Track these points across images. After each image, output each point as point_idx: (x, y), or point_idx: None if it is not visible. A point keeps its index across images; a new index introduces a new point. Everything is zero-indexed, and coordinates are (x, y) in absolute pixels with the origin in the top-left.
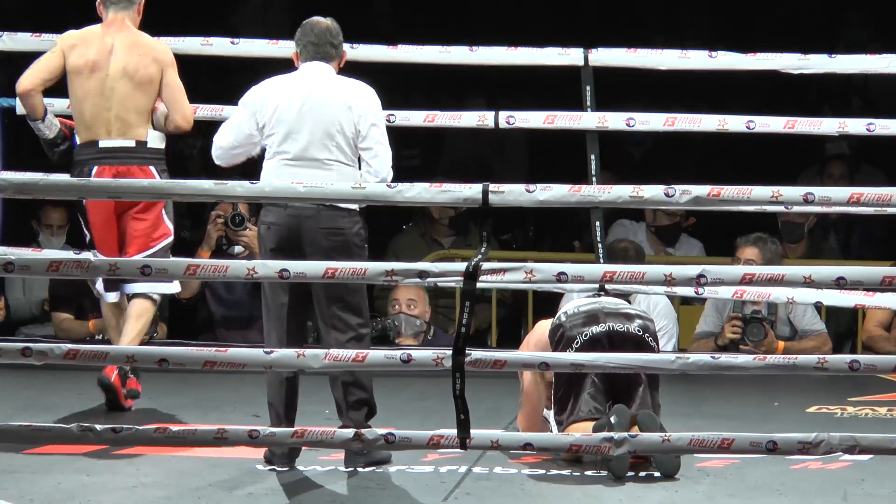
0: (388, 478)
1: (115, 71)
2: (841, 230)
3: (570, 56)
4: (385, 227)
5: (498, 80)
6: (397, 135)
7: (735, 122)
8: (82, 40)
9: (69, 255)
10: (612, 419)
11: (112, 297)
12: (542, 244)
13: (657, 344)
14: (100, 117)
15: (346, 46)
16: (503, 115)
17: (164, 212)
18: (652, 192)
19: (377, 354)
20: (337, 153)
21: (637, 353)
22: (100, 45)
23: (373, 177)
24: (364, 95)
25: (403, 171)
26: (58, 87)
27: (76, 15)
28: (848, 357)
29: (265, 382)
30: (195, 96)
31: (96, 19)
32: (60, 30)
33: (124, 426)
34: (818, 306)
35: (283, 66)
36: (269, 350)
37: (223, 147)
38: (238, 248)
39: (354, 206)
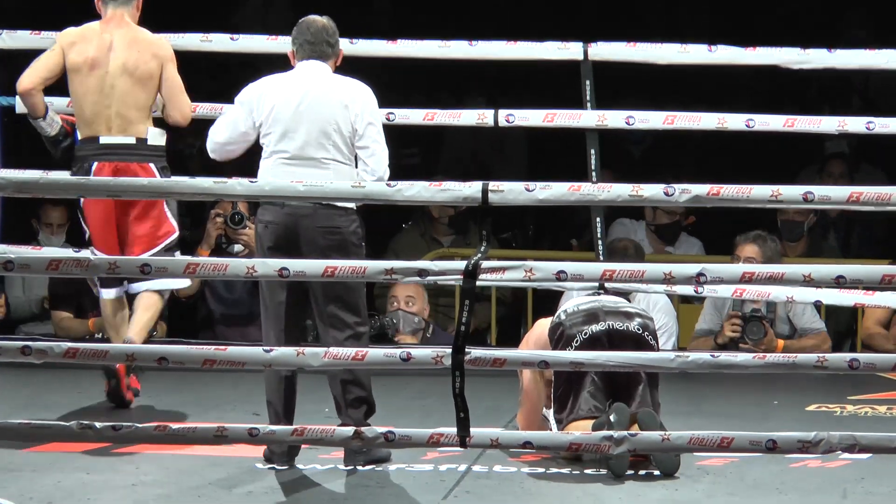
0: (388, 476)
1: (114, 68)
2: (840, 229)
3: (569, 50)
4: (385, 226)
5: (498, 78)
6: (397, 133)
7: (735, 121)
8: (81, 37)
9: (69, 253)
10: (612, 418)
11: (106, 293)
12: (542, 243)
13: (657, 342)
14: (100, 114)
15: (345, 42)
16: (503, 113)
17: (166, 209)
18: (651, 190)
19: (377, 353)
20: (334, 152)
21: (637, 351)
22: (99, 42)
23: (370, 175)
24: (360, 94)
25: (403, 170)
26: (57, 85)
27: (76, 14)
28: (847, 356)
29: (264, 381)
30: (195, 95)
31: (96, 16)
32: (60, 27)
33: (124, 424)
34: (818, 305)
35: (283, 62)
36: (268, 348)
37: (218, 142)
38: (238, 247)
39: (351, 205)
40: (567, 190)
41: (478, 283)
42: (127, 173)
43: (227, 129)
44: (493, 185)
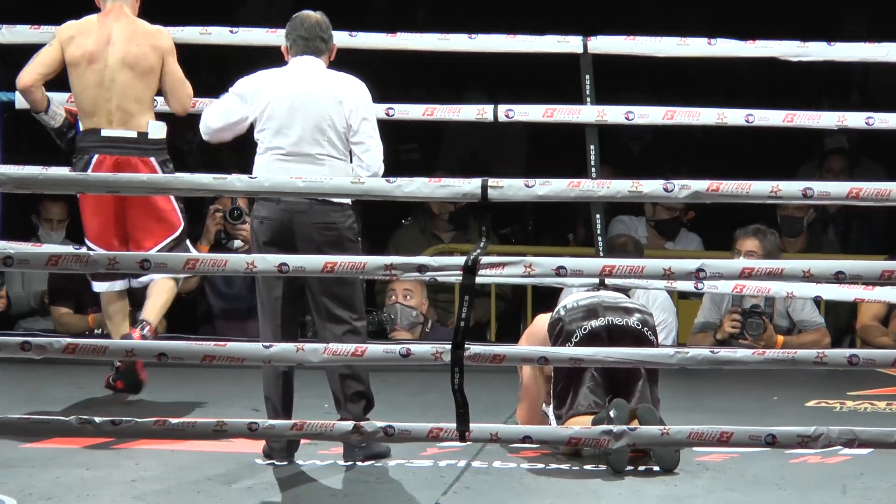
0: (387, 472)
1: (114, 61)
2: (840, 224)
3: (569, 44)
4: (385, 222)
5: (497, 73)
6: (396, 128)
7: (734, 116)
8: (80, 31)
9: (68, 249)
10: (612, 413)
11: (97, 286)
12: (542, 238)
13: (656, 338)
14: (101, 108)
15: (344, 35)
16: (502, 108)
17: (173, 202)
18: (651, 186)
19: (376, 348)
20: (329, 148)
21: (636, 347)
22: (98, 36)
23: (365, 171)
24: (354, 90)
25: (402, 165)
26: (57, 80)
27: (75, 7)
28: (847, 351)
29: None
30: (195, 90)
31: (95, 9)
32: (59, 21)
33: (123, 419)
34: (817, 300)
35: (282, 56)
36: (268, 344)
37: (212, 128)
38: (237, 243)
39: (347, 201)
40: (566, 186)
41: (477, 279)
42: (128, 167)
43: (222, 116)
44: (492, 181)
